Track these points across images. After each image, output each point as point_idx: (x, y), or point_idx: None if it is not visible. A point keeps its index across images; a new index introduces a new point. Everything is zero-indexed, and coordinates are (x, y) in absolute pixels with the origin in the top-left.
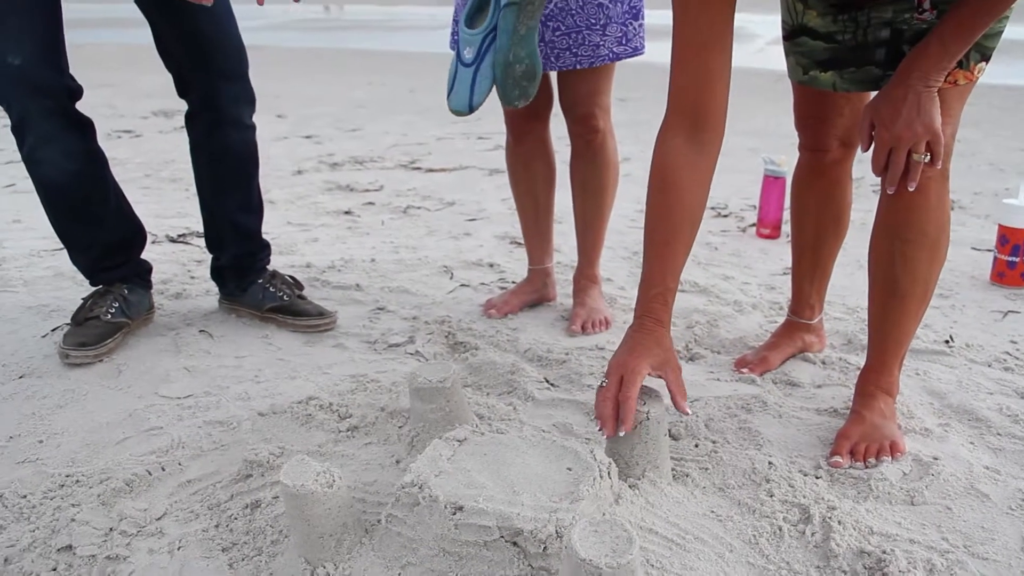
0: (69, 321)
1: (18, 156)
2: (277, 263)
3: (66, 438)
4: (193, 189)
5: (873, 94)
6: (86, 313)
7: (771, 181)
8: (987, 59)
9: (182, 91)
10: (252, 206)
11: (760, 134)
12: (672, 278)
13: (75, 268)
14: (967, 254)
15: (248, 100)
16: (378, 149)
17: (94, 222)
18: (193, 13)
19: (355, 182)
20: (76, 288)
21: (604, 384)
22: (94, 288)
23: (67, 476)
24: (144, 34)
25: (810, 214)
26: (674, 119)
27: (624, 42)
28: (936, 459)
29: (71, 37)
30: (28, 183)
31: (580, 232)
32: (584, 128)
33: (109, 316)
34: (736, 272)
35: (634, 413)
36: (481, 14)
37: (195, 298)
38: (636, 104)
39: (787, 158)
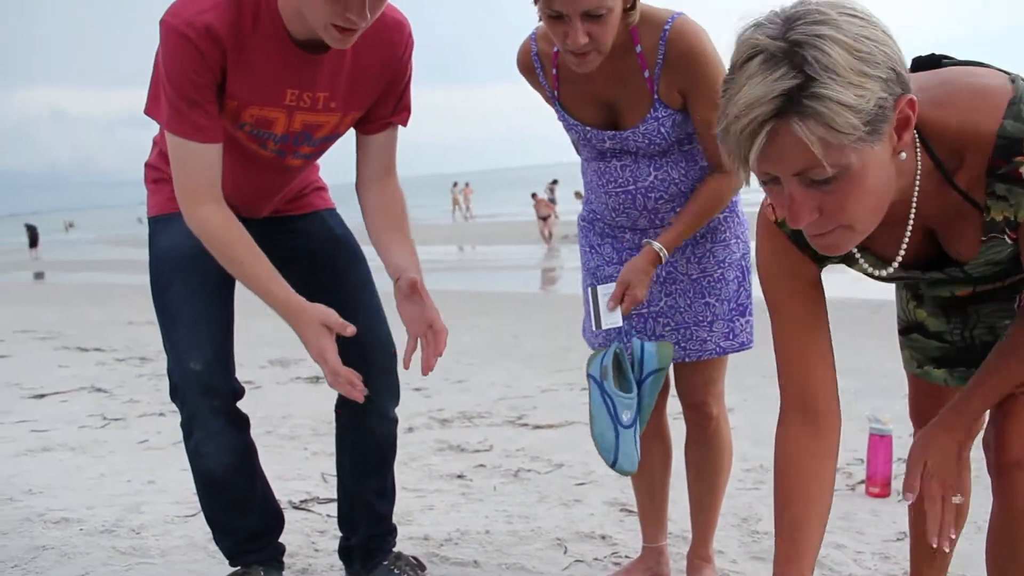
0: None
1: (151, 410)
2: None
3: None
4: (312, 447)
5: None
6: None
7: (877, 440)
8: None
9: None
10: (387, 492)
11: (863, 374)
12: (795, 566)
13: (209, 538)
14: None
15: (395, 394)
16: (485, 403)
17: (242, 510)
18: (351, 317)
19: (465, 442)
20: (210, 560)
21: None
22: (233, 568)
23: None
24: None
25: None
26: (787, 408)
27: (731, 337)
28: None
29: None
30: (161, 439)
31: (694, 512)
32: (698, 415)
33: None
34: (847, 539)
35: None
36: (617, 371)
37: (320, 573)
38: None
39: (891, 414)
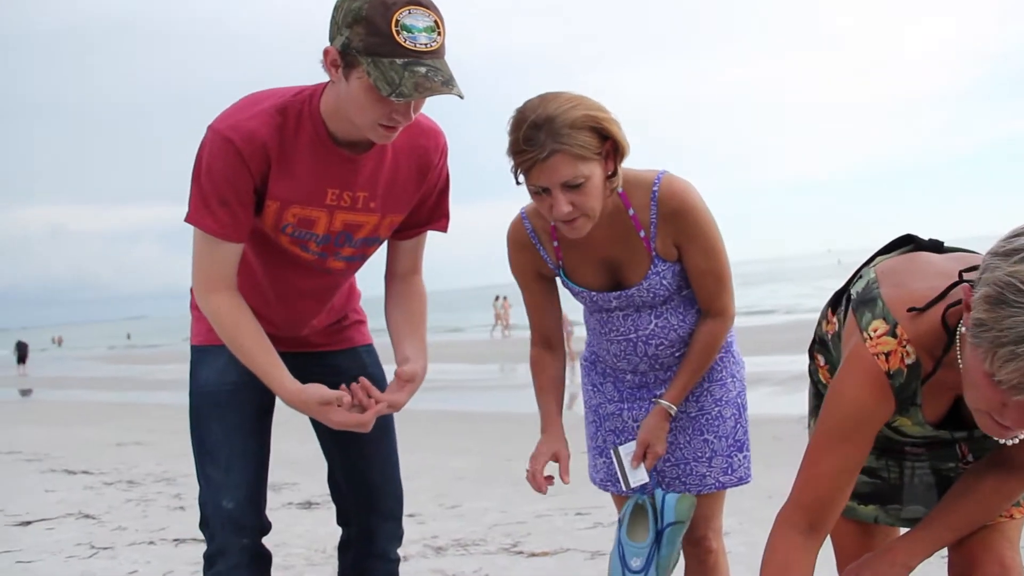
0: None
1: (140, 538)
2: None
3: None
4: None
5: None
6: None
7: None
8: None
9: (342, 521)
10: None
11: None
12: None
13: None
14: None
15: (399, 537)
16: (479, 530)
17: None
18: (366, 459)
19: (460, 571)
20: None
21: None
22: None
23: None
24: None
25: None
26: (795, 514)
27: (730, 472)
28: None
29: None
30: (150, 569)
31: None
32: (699, 549)
33: None
34: None
35: None
36: (636, 520)
37: None
38: None
39: None
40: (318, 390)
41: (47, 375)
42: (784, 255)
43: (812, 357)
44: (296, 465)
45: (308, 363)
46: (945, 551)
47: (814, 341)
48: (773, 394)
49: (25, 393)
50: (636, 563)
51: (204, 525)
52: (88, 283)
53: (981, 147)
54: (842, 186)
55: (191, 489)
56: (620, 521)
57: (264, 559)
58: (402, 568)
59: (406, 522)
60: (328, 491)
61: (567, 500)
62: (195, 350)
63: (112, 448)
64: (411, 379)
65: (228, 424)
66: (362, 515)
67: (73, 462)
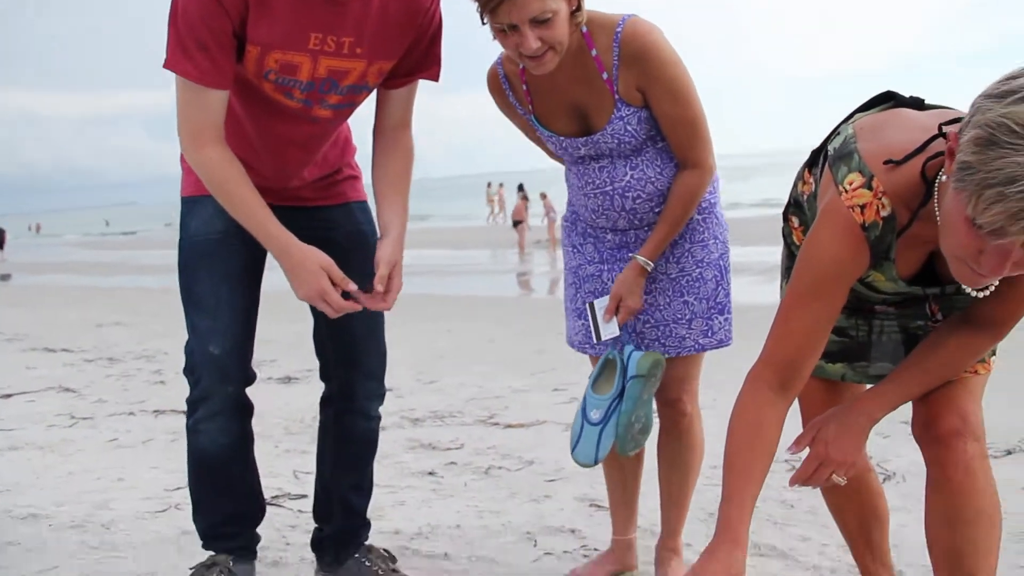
0: None
1: (120, 409)
2: None
3: None
4: (284, 445)
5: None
6: None
7: None
8: (995, 353)
9: (324, 377)
10: (364, 488)
11: None
12: (750, 501)
13: (179, 533)
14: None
15: (379, 396)
16: (457, 403)
17: (226, 493)
18: (351, 315)
19: (437, 440)
20: (179, 555)
21: None
22: (201, 562)
23: None
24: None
25: (845, 512)
26: (766, 372)
27: (709, 335)
28: None
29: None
30: (130, 437)
31: (664, 506)
32: (673, 411)
33: None
34: (814, 532)
35: None
36: (605, 376)
37: (291, 565)
38: None
39: None
40: (326, 256)
41: (26, 260)
42: (769, 150)
43: (786, 219)
44: (275, 343)
45: (300, 217)
46: (910, 412)
47: (789, 203)
48: (752, 283)
49: (4, 278)
50: (595, 415)
51: (189, 371)
52: (67, 169)
53: (989, 44)
54: (833, 84)
55: (171, 366)
56: (590, 377)
57: (246, 409)
58: (380, 437)
59: None
60: (305, 367)
61: (545, 378)
62: (185, 201)
63: (93, 328)
64: (390, 268)
65: (216, 273)
66: (344, 370)
67: (54, 341)
